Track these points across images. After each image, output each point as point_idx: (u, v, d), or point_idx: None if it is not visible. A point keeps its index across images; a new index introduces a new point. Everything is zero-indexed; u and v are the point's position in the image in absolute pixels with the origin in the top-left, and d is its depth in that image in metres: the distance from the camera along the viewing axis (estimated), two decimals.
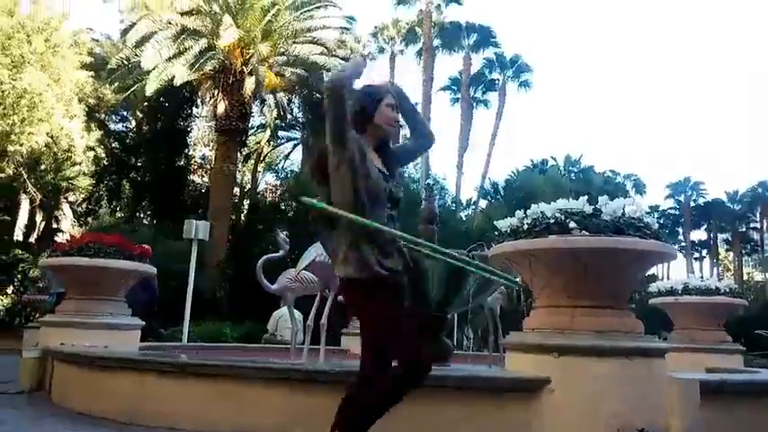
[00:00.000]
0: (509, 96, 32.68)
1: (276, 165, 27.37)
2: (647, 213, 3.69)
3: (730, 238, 51.54)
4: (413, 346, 2.35)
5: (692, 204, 51.51)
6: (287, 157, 27.23)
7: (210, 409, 3.87)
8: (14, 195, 19.77)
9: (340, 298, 5.68)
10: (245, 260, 14.25)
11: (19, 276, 17.87)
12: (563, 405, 3.44)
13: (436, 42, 31.37)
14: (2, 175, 18.08)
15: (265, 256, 5.94)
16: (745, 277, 49.03)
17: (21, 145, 15.37)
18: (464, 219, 24.41)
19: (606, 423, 3.33)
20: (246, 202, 23.74)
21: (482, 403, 3.61)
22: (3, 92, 14.08)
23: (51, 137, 16.11)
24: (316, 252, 5.19)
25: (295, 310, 6.52)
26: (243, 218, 21.65)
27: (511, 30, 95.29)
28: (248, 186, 24.93)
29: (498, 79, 32.81)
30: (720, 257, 54.09)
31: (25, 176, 18.05)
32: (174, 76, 15.92)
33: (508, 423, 3.55)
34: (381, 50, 33.58)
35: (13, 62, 14.43)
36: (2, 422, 4.08)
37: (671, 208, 51.93)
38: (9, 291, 18.43)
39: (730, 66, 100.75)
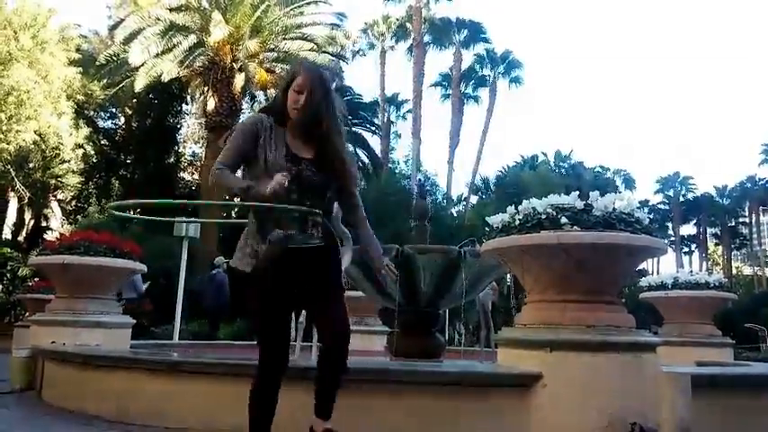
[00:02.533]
0: (500, 92, 32.80)
1: None
2: (638, 208, 3.71)
3: (719, 233, 52.04)
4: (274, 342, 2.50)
5: (682, 199, 51.94)
6: None
7: (203, 407, 3.86)
8: (2, 193, 19.60)
9: None
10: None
11: (8, 275, 17.71)
12: (555, 400, 3.45)
13: (427, 38, 31.41)
14: None
15: None
16: (734, 271, 49.54)
17: (8, 143, 15.24)
18: (455, 215, 24.47)
19: (598, 417, 3.35)
20: (237, 199, 23.63)
21: (475, 399, 3.62)
22: None
23: (39, 134, 15.98)
24: None
25: None
26: (234, 214, 21.58)
27: (501, 25, 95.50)
28: None
29: (489, 75, 32.91)
30: (709, 252, 54.59)
31: (13, 174, 17.88)
32: (162, 73, 15.82)
33: (501, 419, 3.56)
34: (372, 46, 33.60)
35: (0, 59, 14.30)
36: None
37: (660, 203, 52.34)
38: None
39: (720, 61, 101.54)
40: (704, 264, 51.49)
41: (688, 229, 53.87)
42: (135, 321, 6.49)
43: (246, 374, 3.79)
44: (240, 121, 2.45)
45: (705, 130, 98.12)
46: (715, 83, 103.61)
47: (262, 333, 2.54)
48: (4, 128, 14.70)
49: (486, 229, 4.25)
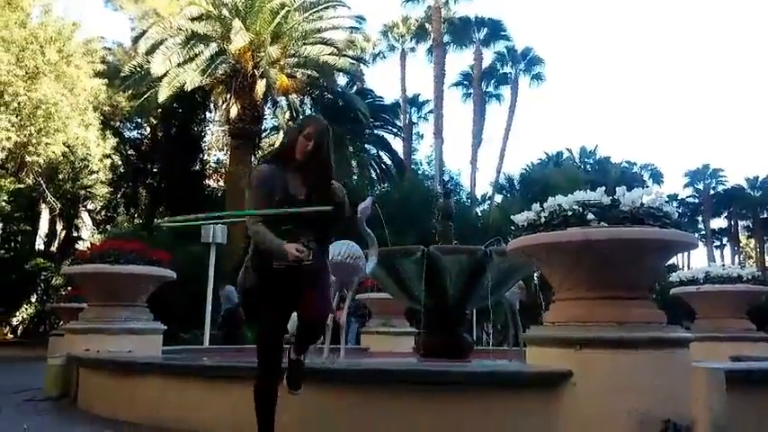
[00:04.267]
0: (521, 90, 32.50)
1: None
2: (666, 202, 3.64)
3: (751, 225, 50.81)
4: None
5: (712, 192, 50.83)
6: None
7: (232, 412, 3.89)
8: (34, 205, 20.05)
9: (359, 296, 5.69)
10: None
11: (42, 285, 18.12)
12: (585, 398, 3.41)
13: (446, 38, 31.31)
14: (21, 185, 18.34)
15: None
16: None
17: (38, 155, 15.58)
18: (479, 214, 24.32)
19: (629, 415, 3.30)
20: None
21: (504, 398, 3.60)
22: (19, 103, 14.27)
23: (68, 146, 16.31)
24: (332, 252, 5.19)
25: None
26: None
27: (521, 22, 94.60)
28: None
29: (510, 73, 32.66)
30: (742, 245, 53.36)
31: (44, 186, 18.29)
32: (185, 82, 16.04)
33: (530, 418, 3.53)
34: (392, 49, 33.61)
35: (27, 73, 14.62)
36: (30, 429, 4.14)
37: (690, 196, 51.34)
38: (33, 300, 18.70)
39: (749, 49, 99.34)
40: (736, 257, 50.35)
41: (719, 223, 52.78)
42: (166, 327, 6.58)
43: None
44: (254, 172, 3.13)
45: (736, 120, 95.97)
46: (746, 72, 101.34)
47: (259, 339, 3.09)
48: (34, 141, 15.04)
49: (512, 227, 4.22)
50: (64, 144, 15.91)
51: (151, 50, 16.64)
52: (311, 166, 2.96)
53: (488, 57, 32.67)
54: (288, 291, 2.98)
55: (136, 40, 18.25)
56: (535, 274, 7.46)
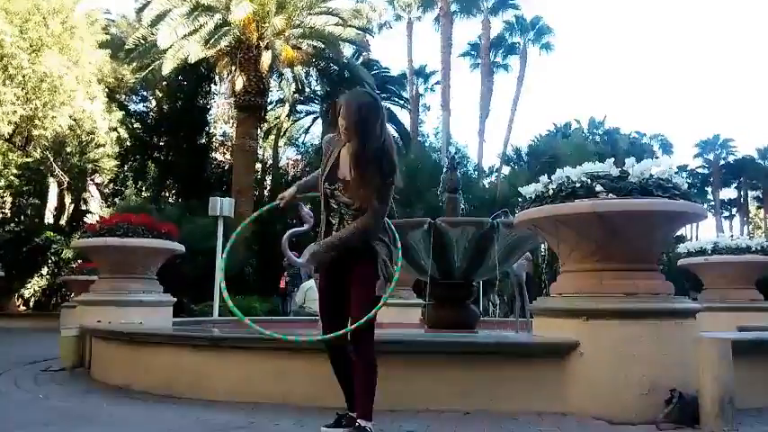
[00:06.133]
0: (530, 60, 32.05)
1: (296, 139, 27.37)
2: (676, 173, 3.62)
3: (761, 196, 50.42)
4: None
5: (722, 162, 50.35)
6: (307, 130, 27.23)
7: (244, 381, 3.97)
8: (43, 179, 20.13)
9: None
10: (271, 235, 14.41)
11: (53, 258, 18.30)
12: (593, 368, 3.45)
13: (454, 7, 30.78)
14: (29, 159, 18.40)
15: (290, 231, 5.94)
16: None
17: (45, 129, 15.55)
18: (487, 186, 24.26)
19: (637, 385, 3.34)
20: (269, 178, 23.86)
21: (512, 368, 3.64)
22: (24, 76, 14.18)
23: (74, 119, 16.26)
24: None
25: None
26: (266, 193, 21.79)
27: None
28: (270, 162, 25.03)
29: (519, 42, 32.22)
30: (751, 215, 53.04)
31: (51, 160, 18.32)
32: (189, 54, 15.91)
33: (539, 388, 3.57)
34: (398, 18, 33.09)
35: (31, 46, 14.49)
36: (47, 397, 4.24)
37: (700, 167, 50.89)
38: (44, 272, 18.91)
39: (762, 18, 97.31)
40: (746, 228, 50.11)
41: (729, 193, 52.33)
42: (176, 299, 6.66)
43: (278, 348, 3.90)
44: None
45: (746, 90, 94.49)
46: (757, 42, 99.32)
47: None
48: (40, 114, 14.99)
49: (520, 199, 4.21)
50: (70, 117, 15.86)
51: (155, 22, 16.47)
52: (351, 142, 2.74)
53: (496, 26, 32.23)
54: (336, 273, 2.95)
55: (140, 10, 18.03)
56: (543, 246, 7.47)
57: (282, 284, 12.40)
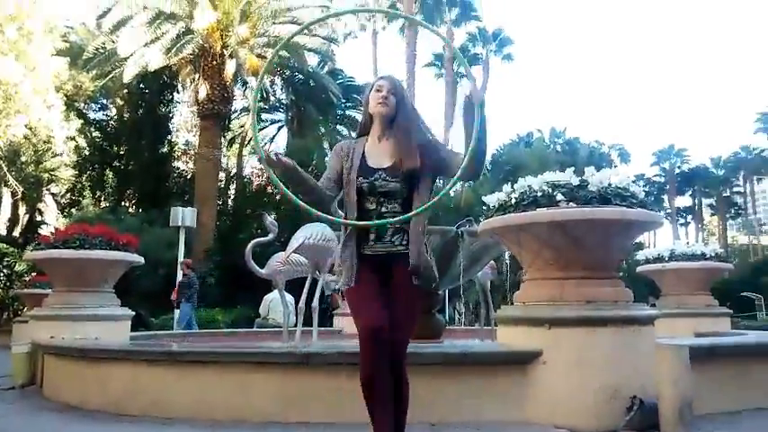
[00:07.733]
0: (492, 70, 32.35)
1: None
2: (633, 182, 3.69)
3: (715, 203, 52.15)
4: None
5: (677, 171, 51.93)
6: (272, 139, 27.00)
7: (204, 397, 3.86)
8: None
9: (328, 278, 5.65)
10: (234, 245, 14.19)
11: (5, 271, 17.65)
12: (555, 377, 3.47)
13: (418, 18, 31.04)
14: None
15: (254, 241, 5.88)
16: (730, 240, 49.75)
17: None
18: (452, 195, 24.39)
19: (599, 392, 3.37)
20: (233, 187, 23.55)
21: (477, 377, 3.63)
22: None
23: (30, 128, 15.81)
24: (304, 235, 5.14)
25: (286, 294, 6.51)
26: (230, 203, 21.49)
27: (491, 3, 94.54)
28: (234, 171, 24.72)
29: (481, 53, 32.64)
30: (705, 222, 54.78)
31: (5, 169, 17.74)
32: (149, 62, 15.64)
33: (503, 396, 3.57)
34: (363, 28, 33.14)
35: None
36: None
37: (656, 175, 52.36)
38: None
39: (714, 31, 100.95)
40: (700, 235, 51.68)
41: (684, 201, 54.01)
42: (134, 313, 6.48)
43: (241, 362, 3.82)
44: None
45: (700, 101, 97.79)
46: (710, 54, 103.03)
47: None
48: None
49: (484, 208, 4.23)
50: (26, 126, 15.41)
51: (116, 29, 16.16)
52: (392, 112, 2.59)
53: (460, 37, 32.61)
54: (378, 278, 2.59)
55: (100, 17, 17.64)
56: (506, 254, 7.53)
57: (174, 296, 11.21)
